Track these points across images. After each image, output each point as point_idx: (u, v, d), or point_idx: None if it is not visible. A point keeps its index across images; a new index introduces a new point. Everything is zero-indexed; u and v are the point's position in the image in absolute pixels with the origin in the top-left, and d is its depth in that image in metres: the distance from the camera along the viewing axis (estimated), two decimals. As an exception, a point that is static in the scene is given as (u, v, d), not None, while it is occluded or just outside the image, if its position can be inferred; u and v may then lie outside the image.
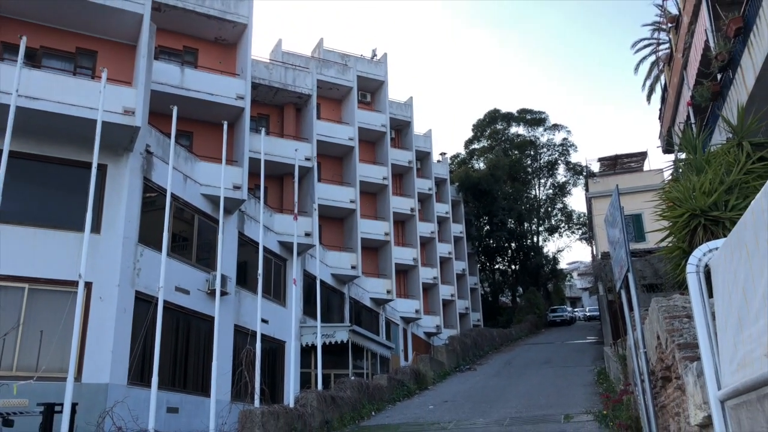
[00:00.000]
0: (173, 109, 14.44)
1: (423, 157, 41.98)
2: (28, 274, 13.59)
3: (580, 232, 58.73)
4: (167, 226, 13.14)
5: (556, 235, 60.51)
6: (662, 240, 9.38)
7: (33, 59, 15.75)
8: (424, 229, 39.38)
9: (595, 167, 40.23)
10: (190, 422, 15.12)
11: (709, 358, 3.35)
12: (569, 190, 59.77)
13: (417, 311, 35.88)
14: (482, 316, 50.86)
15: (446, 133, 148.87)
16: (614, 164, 35.81)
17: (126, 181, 15.12)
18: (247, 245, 20.32)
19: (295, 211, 18.14)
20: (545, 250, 59.28)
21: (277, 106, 26.89)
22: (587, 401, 15.38)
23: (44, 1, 15.73)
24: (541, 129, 59.69)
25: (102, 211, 14.63)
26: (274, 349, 21.14)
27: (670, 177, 11.60)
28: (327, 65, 31.20)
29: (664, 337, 5.94)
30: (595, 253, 35.68)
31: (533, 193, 59.86)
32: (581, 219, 57.23)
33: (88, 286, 13.50)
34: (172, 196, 15.03)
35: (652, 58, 32.78)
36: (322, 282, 20.32)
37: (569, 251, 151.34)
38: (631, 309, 7.30)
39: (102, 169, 14.49)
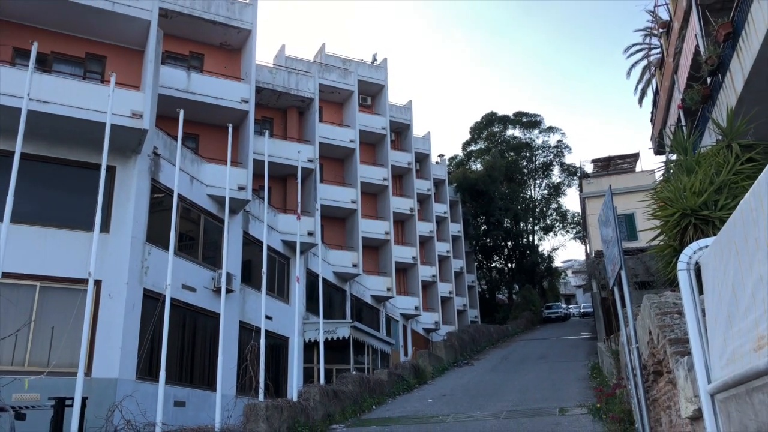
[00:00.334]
0: (180, 112, 14.42)
1: (422, 158, 42.37)
2: (40, 272, 13.81)
3: (575, 231, 59.21)
4: (174, 225, 13.09)
5: (551, 234, 61.25)
6: (654, 239, 9.61)
7: (44, 64, 15.99)
8: (423, 228, 39.75)
9: (589, 168, 40.59)
10: (196, 416, 15.28)
11: (700, 352, 3.42)
12: (564, 190, 60.42)
13: (416, 308, 36.27)
14: (479, 312, 51.37)
15: (444, 135, 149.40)
16: (607, 165, 35.94)
17: (134, 183, 15.38)
18: (251, 244, 20.61)
19: (298, 211, 18.39)
20: (540, 248, 59.86)
21: (280, 110, 27.12)
22: (581, 395, 15.49)
23: (55, 8, 15.92)
24: (536, 131, 60.27)
25: (111, 212, 14.86)
26: (278, 345, 21.36)
27: (661, 178, 11.76)
28: (329, 70, 31.45)
29: (655, 333, 5.99)
30: (588, 251, 35.82)
31: (529, 193, 60.45)
32: (575, 218, 57.66)
33: (98, 284, 13.68)
34: (179, 196, 15.11)
35: (644, 62, 32.88)
36: (324, 280, 20.56)
37: (564, 250, 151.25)
38: (623, 305, 7.50)
39: (111, 170, 14.71)
